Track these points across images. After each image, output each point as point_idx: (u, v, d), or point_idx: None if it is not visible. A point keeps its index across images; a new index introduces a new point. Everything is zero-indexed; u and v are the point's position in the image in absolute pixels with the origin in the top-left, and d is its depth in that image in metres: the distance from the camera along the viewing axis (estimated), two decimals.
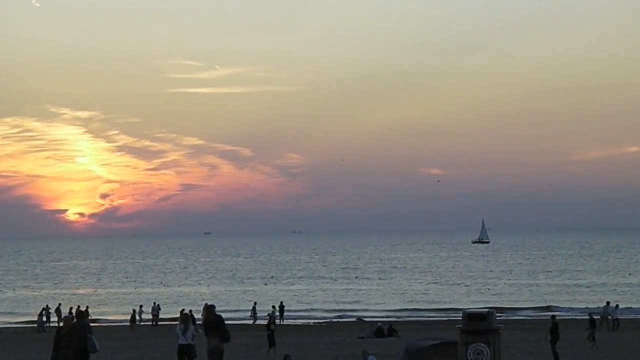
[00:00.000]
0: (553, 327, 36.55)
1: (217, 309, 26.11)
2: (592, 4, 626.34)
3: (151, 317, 69.90)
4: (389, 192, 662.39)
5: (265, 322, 47.17)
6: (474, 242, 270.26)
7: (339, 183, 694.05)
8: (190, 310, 52.68)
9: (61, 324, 30.78)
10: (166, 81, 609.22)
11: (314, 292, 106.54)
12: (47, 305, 74.19)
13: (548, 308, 79.49)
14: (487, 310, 25.06)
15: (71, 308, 65.28)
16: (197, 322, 38.81)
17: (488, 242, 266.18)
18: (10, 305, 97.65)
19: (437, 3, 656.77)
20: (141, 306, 71.26)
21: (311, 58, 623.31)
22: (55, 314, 69.30)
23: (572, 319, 65.76)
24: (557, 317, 39.93)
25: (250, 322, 69.03)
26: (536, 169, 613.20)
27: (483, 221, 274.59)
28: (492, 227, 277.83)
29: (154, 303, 73.04)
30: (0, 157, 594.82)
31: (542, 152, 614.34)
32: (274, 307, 66.15)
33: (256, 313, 69.56)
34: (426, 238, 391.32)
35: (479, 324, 24.17)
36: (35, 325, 67.46)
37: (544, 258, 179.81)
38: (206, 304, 27.94)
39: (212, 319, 25.08)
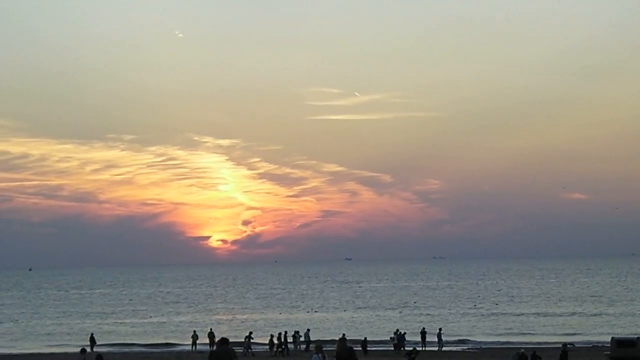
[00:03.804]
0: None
1: (358, 334, 26.74)
2: None
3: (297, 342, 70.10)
4: (530, 217, 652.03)
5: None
6: None
7: (478, 208, 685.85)
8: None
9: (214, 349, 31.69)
10: (306, 108, 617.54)
11: (460, 318, 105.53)
12: (194, 331, 75.95)
13: None
14: (636, 336, 24.58)
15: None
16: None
17: None
18: (161, 329, 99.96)
19: (579, 32, 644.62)
20: (292, 334, 71.25)
21: (450, 84, 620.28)
22: (208, 338, 70.90)
23: None
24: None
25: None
26: None
27: None
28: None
29: (308, 330, 73.21)
30: (146, 185, 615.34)
31: None
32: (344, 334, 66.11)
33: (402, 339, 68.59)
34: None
35: (628, 351, 23.72)
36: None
37: None
38: (344, 334, 28.54)
39: (345, 350, 25.87)
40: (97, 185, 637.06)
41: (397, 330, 71.27)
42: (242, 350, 64.91)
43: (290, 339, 68.97)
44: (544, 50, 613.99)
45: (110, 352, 70.85)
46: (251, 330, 76.66)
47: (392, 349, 68.68)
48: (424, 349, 66.90)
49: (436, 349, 68.92)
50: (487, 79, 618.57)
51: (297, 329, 74.36)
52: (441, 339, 69.92)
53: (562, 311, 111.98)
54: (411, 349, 59.07)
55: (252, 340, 67.75)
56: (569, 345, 54.62)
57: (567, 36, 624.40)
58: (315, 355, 26.75)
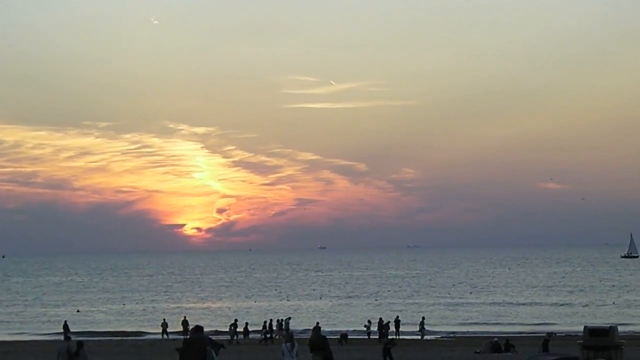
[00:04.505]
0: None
1: (332, 322, 27.08)
2: None
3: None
4: (506, 206, 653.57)
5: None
6: (622, 257, 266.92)
7: (454, 197, 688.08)
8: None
9: (187, 337, 31.53)
10: (282, 97, 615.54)
11: (433, 306, 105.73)
12: (164, 319, 75.68)
13: None
14: (609, 325, 24.52)
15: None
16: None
17: (637, 257, 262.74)
18: (133, 318, 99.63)
19: (560, 21, 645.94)
20: (272, 320, 70.64)
21: (427, 73, 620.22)
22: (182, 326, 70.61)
23: None
24: None
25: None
26: None
27: (632, 236, 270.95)
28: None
29: (289, 317, 72.84)
30: (120, 172, 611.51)
31: None
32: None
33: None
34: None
35: (601, 340, 23.65)
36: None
37: None
38: (317, 322, 28.94)
39: (318, 339, 26.97)
40: (72, 173, 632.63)
41: (380, 319, 70.84)
42: (227, 339, 64.71)
43: (275, 327, 68.60)
44: (522, 39, 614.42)
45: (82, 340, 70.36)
46: (236, 318, 75.98)
47: (367, 337, 68.80)
48: (397, 337, 66.92)
49: (416, 337, 69.02)
50: (464, 67, 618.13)
51: (279, 317, 73.74)
52: (424, 327, 70.06)
53: (534, 300, 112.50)
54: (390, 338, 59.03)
55: (237, 329, 67.22)
56: (552, 335, 54.96)
57: (547, 25, 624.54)
58: (284, 344, 26.74)
